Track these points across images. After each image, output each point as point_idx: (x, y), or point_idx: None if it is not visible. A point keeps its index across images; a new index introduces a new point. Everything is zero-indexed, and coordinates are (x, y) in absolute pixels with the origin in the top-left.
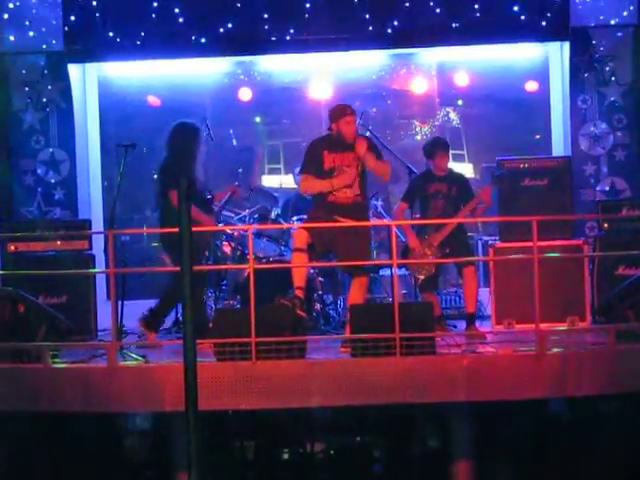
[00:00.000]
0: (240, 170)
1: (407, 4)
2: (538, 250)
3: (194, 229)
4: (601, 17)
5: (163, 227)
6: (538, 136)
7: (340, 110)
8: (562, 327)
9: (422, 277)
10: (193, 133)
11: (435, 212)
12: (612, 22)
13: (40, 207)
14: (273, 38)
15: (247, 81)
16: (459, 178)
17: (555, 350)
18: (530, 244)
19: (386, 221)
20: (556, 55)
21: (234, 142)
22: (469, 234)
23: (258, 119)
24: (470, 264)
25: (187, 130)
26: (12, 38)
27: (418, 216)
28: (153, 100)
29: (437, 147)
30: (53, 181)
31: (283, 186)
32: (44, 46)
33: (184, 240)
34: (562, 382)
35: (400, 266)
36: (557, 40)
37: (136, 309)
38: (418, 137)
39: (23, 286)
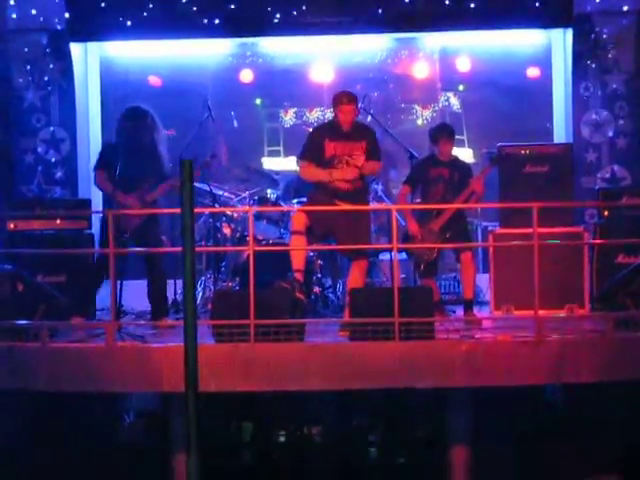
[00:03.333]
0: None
1: None
2: (538, 237)
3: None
4: (605, 4)
5: None
6: (540, 122)
7: (337, 98)
8: (561, 314)
9: (423, 263)
10: (140, 117)
11: (435, 197)
12: (615, 9)
13: (40, 186)
14: (276, 20)
15: (249, 63)
16: (463, 166)
17: (554, 337)
18: (530, 230)
19: (385, 205)
20: (559, 42)
21: (235, 123)
22: (469, 219)
23: (259, 101)
24: (468, 250)
25: (136, 114)
26: (14, 16)
27: (419, 201)
28: (154, 80)
29: (442, 133)
30: (53, 160)
31: (284, 168)
32: (46, 25)
33: (186, 221)
34: (560, 369)
35: (399, 250)
36: (560, 27)
37: (135, 289)
38: (419, 121)
39: (22, 264)
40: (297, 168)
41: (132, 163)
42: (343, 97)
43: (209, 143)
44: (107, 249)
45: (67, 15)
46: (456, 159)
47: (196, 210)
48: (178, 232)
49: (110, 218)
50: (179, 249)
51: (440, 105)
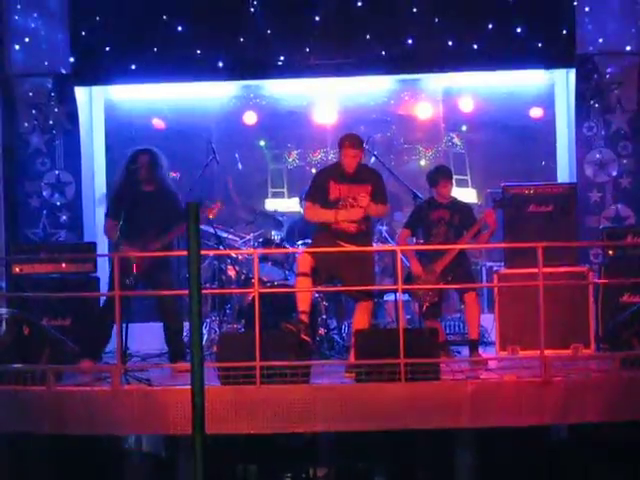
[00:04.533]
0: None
1: (414, 29)
2: (542, 276)
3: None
4: (607, 44)
5: None
6: (543, 162)
7: (341, 141)
8: (566, 354)
9: (425, 304)
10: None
11: (437, 239)
12: (618, 49)
13: (45, 229)
14: (279, 62)
15: (252, 105)
16: (462, 206)
17: (559, 377)
18: (534, 270)
19: (390, 246)
20: (562, 82)
21: (239, 166)
22: (473, 260)
23: (263, 143)
24: (471, 290)
25: (136, 157)
26: (20, 60)
27: (422, 242)
28: (158, 123)
29: (440, 175)
30: (59, 203)
31: (288, 209)
32: (51, 69)
33: (192, 262)
34: (566, 409)
35: (404, 291)
36: (563, 67)
37: (140, 332)
38: (422, 162)
39: (28, 308)
40: (300, 209)
41: (138, 209)
42: (346, 141)
43: (214, 185)
44: (112, 292)
45: (72, 59)
46: (455, 200)
47: (201, 252)
48: (183, 275)
49: (116, 261)
50: (182, 292)
51: (443, 146)
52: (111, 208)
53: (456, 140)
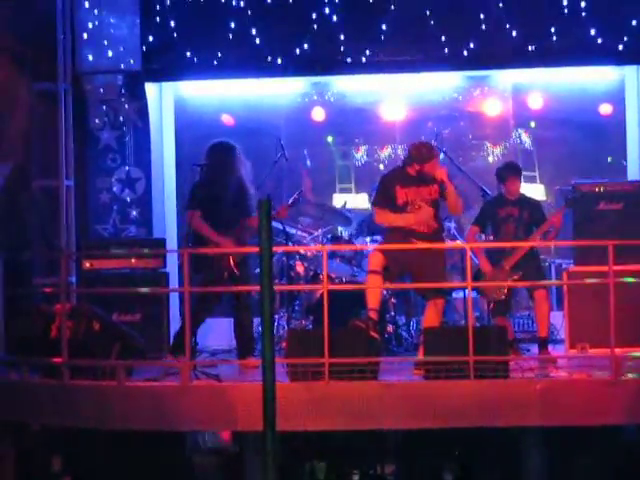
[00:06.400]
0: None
1: (483, 26)
2: (613, 274)
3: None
4: None
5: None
6: (610, 159)
7: (429, 152)
8: (637, 352)
9: (493, 301)
10: (229, 151)
11: (507, 236)
12: None
13: (115, 225)
14: (348, 59)
15: (321, 102)
16: (531, 202)
17: (630, 376)
18: (604, 268)
19: (460, 243)
20: (632, 78)
21: (308, 163)
22: (542, 257)
23: (330, 139)
24: (541, 287)
25: (223, 149)
26: (90, 57)
27: (491, 239)
28: (227, 119)
29: (509, 171)
30: (129, 199)
31: (355, 207)
32: (122, 65)
33: (264, 258)
34: (637, 409)
35: (472, 289)
36: (634, 64)
37: (210, 327)
38: (490, 159)
39: (97, 303)
40: (368, 206)
41: (223, 201)
42: (433, 150)
43: (283, 182)
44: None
45: (142, 56)
46: (523, 196)
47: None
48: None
49: (185, 258)
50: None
51: (512, 142)
52: (195, 200)
53: (524, 137)
